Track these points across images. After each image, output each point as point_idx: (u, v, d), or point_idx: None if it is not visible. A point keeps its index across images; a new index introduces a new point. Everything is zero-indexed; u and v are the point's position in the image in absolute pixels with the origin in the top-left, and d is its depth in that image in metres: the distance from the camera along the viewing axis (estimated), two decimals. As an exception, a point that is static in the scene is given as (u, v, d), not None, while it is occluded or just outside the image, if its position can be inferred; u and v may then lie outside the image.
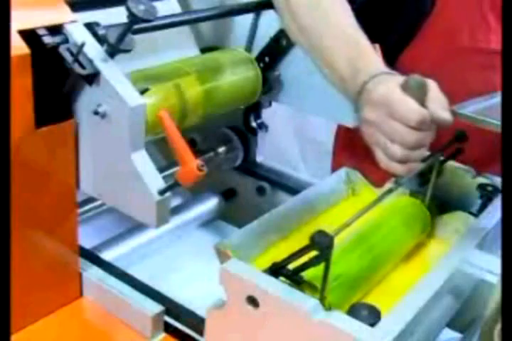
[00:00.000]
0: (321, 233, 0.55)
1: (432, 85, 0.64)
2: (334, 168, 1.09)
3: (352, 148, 1.05)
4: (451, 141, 0.78)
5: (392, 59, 0.91)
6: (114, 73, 0.63)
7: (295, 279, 0.58)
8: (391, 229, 0.73)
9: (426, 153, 0.67)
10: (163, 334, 0.72)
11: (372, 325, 0.53)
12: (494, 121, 0.62)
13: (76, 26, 0.63)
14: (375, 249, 0.69)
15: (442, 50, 0.92)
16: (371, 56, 0.71)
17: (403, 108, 0.62)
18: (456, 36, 0.91)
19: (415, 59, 0.93)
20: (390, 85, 0.64)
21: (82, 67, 0.61)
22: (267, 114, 0.99)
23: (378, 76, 0.67)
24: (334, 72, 0.73)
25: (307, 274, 0.58)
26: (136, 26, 0.62)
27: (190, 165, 0.59)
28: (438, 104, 0.63)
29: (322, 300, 0.56)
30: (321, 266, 0.55)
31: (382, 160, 0.65)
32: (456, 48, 0.91)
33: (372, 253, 0.68)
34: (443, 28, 0.91)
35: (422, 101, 0.62)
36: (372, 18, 0.89)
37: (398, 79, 0.65)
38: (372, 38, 0.73)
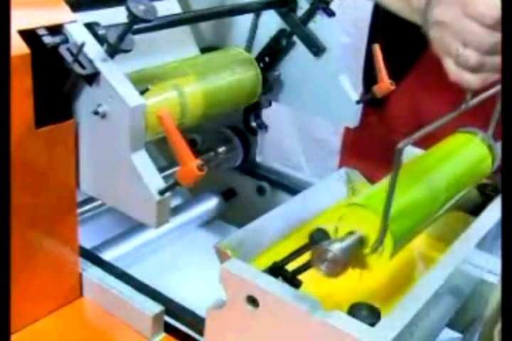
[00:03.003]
0: (320, 231, 0.56)
1: None
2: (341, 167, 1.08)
3: (359, 148, 1.05)
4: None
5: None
6: (114, 73, 0.63)
7: (293, 282, 0.58)
8: (452, 164, 0.71)
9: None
10: (163, 334, 0.72)
11: (372, 325, 0.53)
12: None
13: (76, 26, 0.63)
14: (434, 181, 0.66)
15: None
16: None
17: (481, 3, 0.55)
18: None
19: None
20: None
21: (82, 67, 0.61)
22: (269, 113, 0.99)
23: None
24: None
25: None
26: (136, 26, 0.62)
27: (190, 165, 0.59)
28: None
29: (386, 228, 0.55)
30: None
31: (452, 71, 0.58)
32: None
33: (431, 185, 0.65)
34: None
35: None
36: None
37: None
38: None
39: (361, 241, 0.57)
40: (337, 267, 0.54)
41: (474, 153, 0.74)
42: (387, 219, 0.54)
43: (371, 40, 1.00)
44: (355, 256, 0.56)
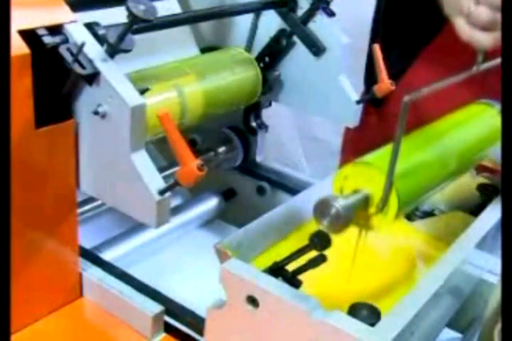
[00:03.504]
0: (320, 233, 0.55)
1: None
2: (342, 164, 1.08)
3: (359, 148, 1.05)
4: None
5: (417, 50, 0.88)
6: (114, 73, 0.63)
7: (293, 282, 0.58)
8: (466, 132, 0.69)
9: None
10: (163, 334, 0.72)
11: (372, 325, 0.53)
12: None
13: (76, 26, 0.63)
14: (445, 146, 0.65)
15: None
16: None
17: None
18: None
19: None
20: None
21: (82, 67, 0.61)
22: (269, 113, 0.99)
23: None
24: None
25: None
26: (136, 26, 0.62)
27: (190, 165, 0.59)
28: None
29: (390, 186, 0.54)
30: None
31: (463, 31, 0.56)
32: None
33: (442, 149, 0.64)
34: None
35: None
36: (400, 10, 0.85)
37: None
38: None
39: (366, 200, 0.56)
40: (338, 224, 0.53)
41: (489, 124, 0.72)
42: (392, 176, 0.53)
43: (373, 39, 1.00)
44: (359, 215, 0.55)
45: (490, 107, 0.73)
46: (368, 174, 0.57)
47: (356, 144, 1.09)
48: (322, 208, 0.53)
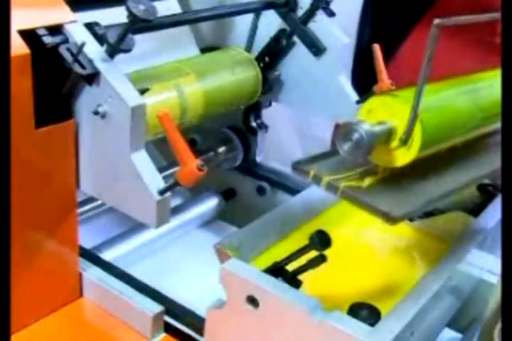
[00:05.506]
0: (320, 233, 0.55)
1: None
2: None
3: None
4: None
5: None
6: (114, 73, 0.63)
7: (293, 282, 0.58)
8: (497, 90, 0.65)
9: None
10: (163, 334, 0.72)
11: (372, 325, 0.53)
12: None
13: (76, 26, 0.63)
14: (477, 96, 0.62)
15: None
16: None
17: None
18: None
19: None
20: None
21: (82, 67, 0.61)
22: (269, 113, 0.99)
23: None
24: None
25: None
26: (136, 26, 0.62)
27: (190, 165, 0.59)
28: None
29: (415, 117, 0.51)
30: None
31: None
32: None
33: (472, 98, 0.62)
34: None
35: None
36: None
37: None
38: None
39: (389, 132, 0.53)
40: (358, 152, 0.50)
41: None
42: (418, 107, 0.50)
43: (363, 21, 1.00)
44: (381, 150, 0.53)
45: None
46: (393, 106, 0.54)
47: None
48: (344, 132, 0.51)
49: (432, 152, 0.57)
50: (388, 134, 0.54)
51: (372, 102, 0.56)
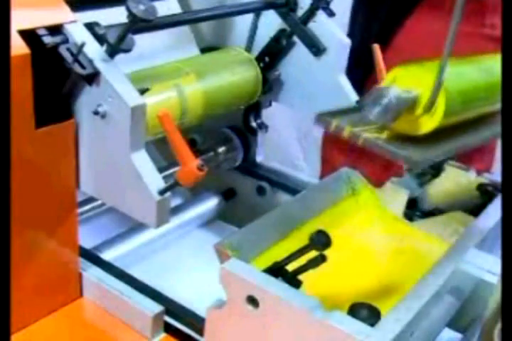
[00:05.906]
0: (320, 233, 0.55)
1: None
2: (323, 159, 1.07)
3: (339, 141, 1.04)
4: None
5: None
6: (114, 73, 0.63)
7: (293, 282, 0.58)
8: None
9: None
10: (163, 334, 0.72)
11: (372, 325, 0.53)
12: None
13: (76, 26, 0.63)
14: (494, 74, 0.63)
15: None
16: None
17: None
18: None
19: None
20: None
21: (82, 67, 0.61)
22: (269, 113, 0.98)
23: None
24: None
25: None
26: (136, 26, 0.62)
27: (190, 165, 0.59)
28: None
29: (440, 85, 0.53)
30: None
31: None
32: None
33: (489, 79, 0.63)
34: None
35: None
36: None
37: None
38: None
39: (414, 100, 0.55)
40: (386, 117, 0.52)
41: None
42: (443, 75, 0.52)
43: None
44: (405, 118, 0.55)
45: None
46: (417, 75, 0.56)
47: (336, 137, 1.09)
48: (375, 97, 0.52)
49: (452, 121, 0.59)
50: (413, 101, 0.55)
51: (398, 70, 0.58)
